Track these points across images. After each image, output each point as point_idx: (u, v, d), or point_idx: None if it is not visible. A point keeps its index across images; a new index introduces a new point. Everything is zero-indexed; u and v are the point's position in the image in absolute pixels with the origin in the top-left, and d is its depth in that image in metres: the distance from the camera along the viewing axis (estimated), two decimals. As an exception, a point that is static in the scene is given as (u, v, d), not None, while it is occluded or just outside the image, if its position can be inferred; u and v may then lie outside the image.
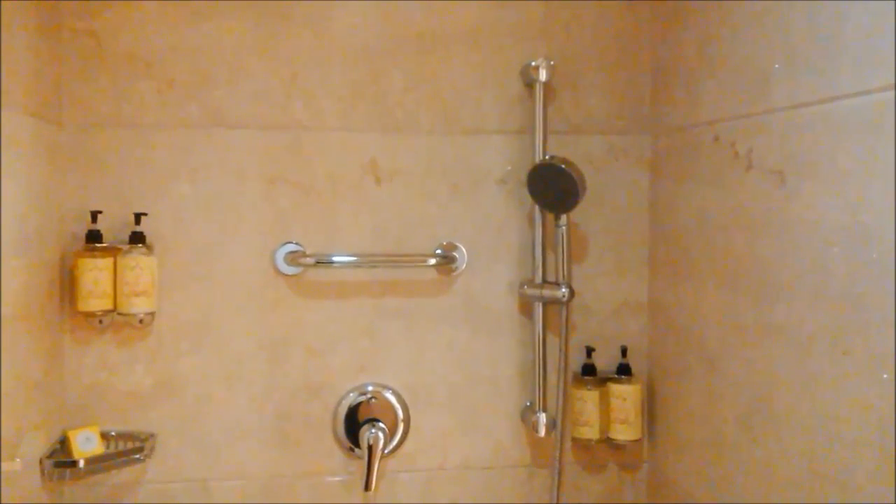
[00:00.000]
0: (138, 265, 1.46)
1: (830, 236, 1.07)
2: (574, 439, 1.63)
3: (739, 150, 1.30)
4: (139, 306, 1.47)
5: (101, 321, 1.50)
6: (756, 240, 1.25)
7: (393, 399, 1.61)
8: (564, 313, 1.55)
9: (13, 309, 1.27)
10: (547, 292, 1.57)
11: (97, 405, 1.52)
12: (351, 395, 1.60)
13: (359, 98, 1.58)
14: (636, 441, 1.60)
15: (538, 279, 1.59)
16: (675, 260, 1.55)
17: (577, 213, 1.59)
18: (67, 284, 1.48)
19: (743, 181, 1.29)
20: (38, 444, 1.37)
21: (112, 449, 1.48)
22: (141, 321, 1.51)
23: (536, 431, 1.58)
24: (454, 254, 1.61)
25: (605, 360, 1.64)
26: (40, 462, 1.37)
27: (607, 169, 1.65)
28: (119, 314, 1.47)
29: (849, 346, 1.04)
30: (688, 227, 1.50)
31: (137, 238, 1.48)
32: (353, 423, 1.59)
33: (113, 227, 1.49)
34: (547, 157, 1.54)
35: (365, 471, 1.51)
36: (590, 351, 1.62)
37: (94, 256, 1.45)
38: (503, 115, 1.62)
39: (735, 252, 1.32)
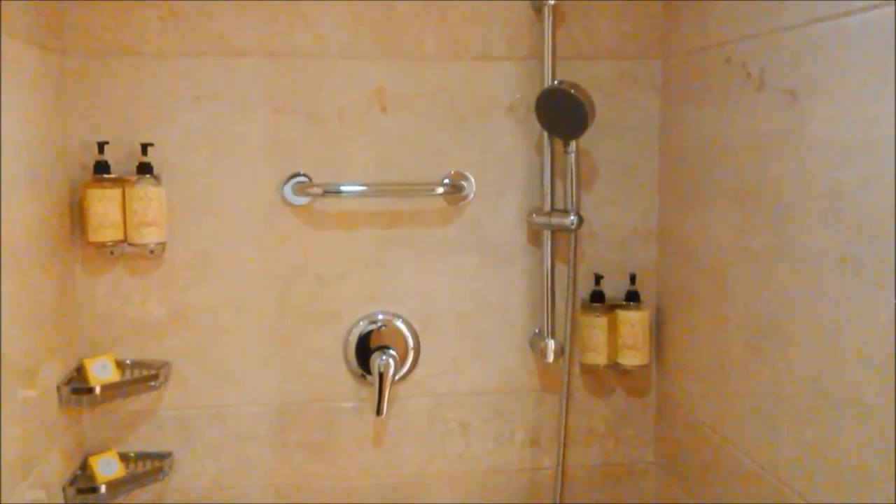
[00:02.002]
0: (147, 195, 1.46)
1: (842, 155, 1.06)
2: (582, 365, 1.65)
3: (751, 71, 1.28)
4: (149, 237, 1.47)
5: (112, 252, 1.51)
6: (767, 162, 1.24)
7: (403, 327, 1.63)
8: (573, 241, 1.55)
9: (24, 239, 1.27)
10: (555, 220, 1.56)
11: (111, 335, 1.54)
12: (361, 323, 1.62)
13: (363, 24, 1.55)
14: (644, 366, 1.62)
15: (547, 207, 1.59)
16: (686, 185, 1.54)
17: (586, 140, 1.58)
18: (77, 215, 1.49)
19: (755, 102, 1.27)
20: (54, 373, 1.40)
21: (127, 377, 1.51)
22: (152, 252, 1.52)
23: (545, 357, 1.60)
24: (462, 183, 1.60)
25: (614, 288, 1.64)
26: (57, 389, 1.40)
27: (617, 95, 1.63)
28: (130, 245, 1.48)
29: (858, 266, 1.03)
30: (698, 151, 1.48)
31: (145, 168, 1.47)
32: (364, 350, 1.61)
33: (120, 157, 1.49)
34: (555, 83, 1.52)
35: (376, 396, 1.54)
36: (598, 278, 1.63)
37: (103, 187, 1.45)
38: (511, 40, 1.59)
39: (746, 175, 1.31)
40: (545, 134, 1.56)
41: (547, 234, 1.59)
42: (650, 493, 1.71)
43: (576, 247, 1.55)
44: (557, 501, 1.59)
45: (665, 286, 1.64)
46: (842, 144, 1.06)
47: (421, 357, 1.64)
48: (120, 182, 1.46)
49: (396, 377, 1.61)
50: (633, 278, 1.63)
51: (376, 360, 1.58)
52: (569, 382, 1.59)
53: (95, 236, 1.45)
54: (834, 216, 1.08)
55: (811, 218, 1.13)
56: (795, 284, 1.17)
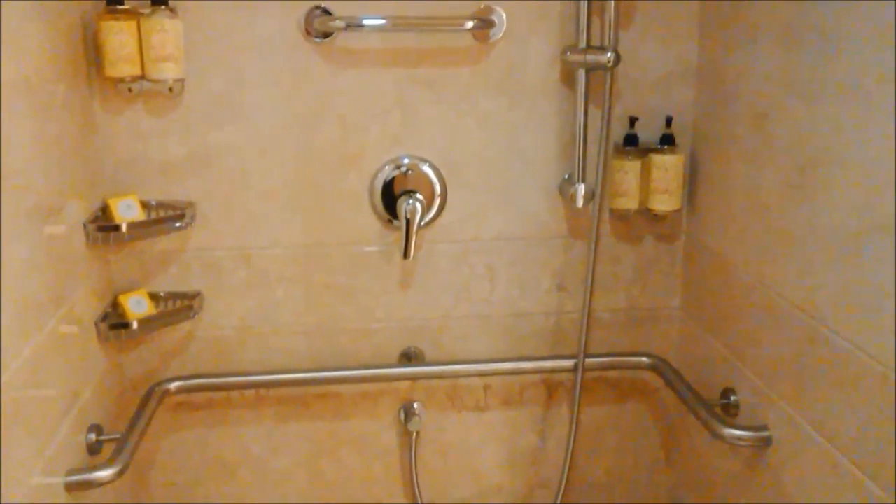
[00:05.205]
0: (163, 28, 1.40)
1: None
2: (612, 210, 1.62)
3: None
4: (168, 72, 1.42)
5: (130, 89, 1.46)
6: (823, -12, 1.16)
7: (430, 171, 1.59)
8: (609, 80, 1.48)
9: (38, 72, 1.23)
10: (591, 57, 1.49)
11: (133, 176, 1.51)
12: (387, 167, 1.58)
13: None
14: (676, 211, 1.58)
15: (582, 44, 1.51)
16: (729, 21, 1.45)
17: (626, -29, 1.48)
18: (92, 50, 1.43)
19: (815, -80, 1.17)
20: (79, 211, 1.38)
21: (153, 216, 1.49)
22: (171, 89, 1.47)
23: (574, 203, 1.57)
24: (492, 17, 1.52)
25: (649, 132, 1.58)
26: (84, 227, 1.39)
27: (660, -79, 1.51)
28: (148, 80, 1.43)
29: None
30: (746, -18, 1.38)
31: (159, -1, 1.41)
32: (390, 194, 1.58)
33: (133, -12, 1.42)
34: None
35: (403, 240, 1.52)
36: (633, 121, 1.57)
37: (117, 19, 1.38)
38: None
39: (795, 7, 1.22)
40: (582, -38, 1.46)
41: (581, 73, 1.52)
42: (676, 337, 1.72)
43: (611, 87, 1.48)
44: (582, 343, 1.59)
45: (702, 130, 1.58)
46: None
47: (448, 202, 1.61)
48: (134, 14, 1.40)
49: (423, 222, 1.60)
50: (668, 121, 1.56)
51: (403, 205, 1.56)
52: (597, 228, 1.56)
53: (112, 71, 1.40)
54: (890, 43, 1.01)
55: (866, 48, 1.06)
56: (846, 118, 1.11)
